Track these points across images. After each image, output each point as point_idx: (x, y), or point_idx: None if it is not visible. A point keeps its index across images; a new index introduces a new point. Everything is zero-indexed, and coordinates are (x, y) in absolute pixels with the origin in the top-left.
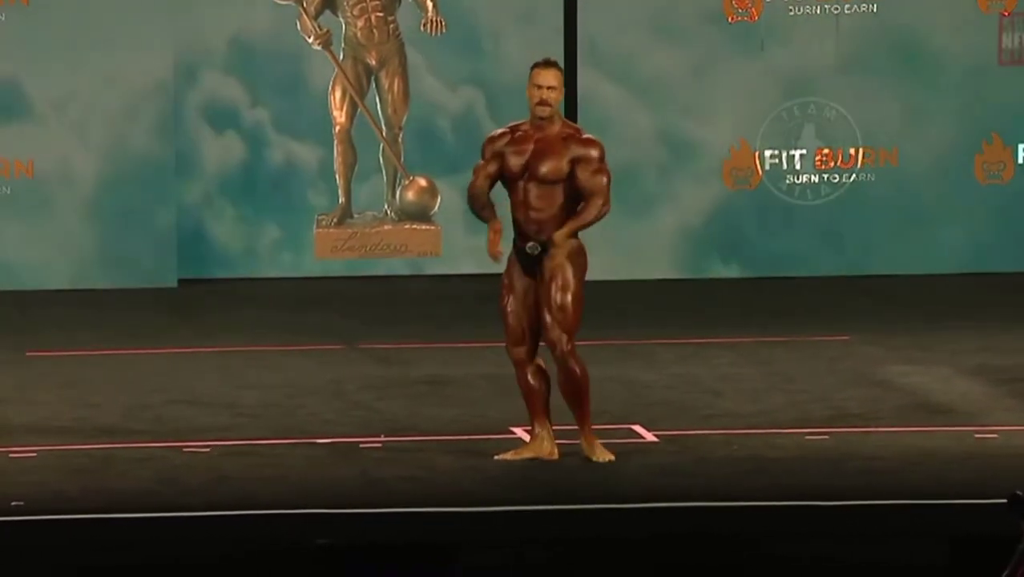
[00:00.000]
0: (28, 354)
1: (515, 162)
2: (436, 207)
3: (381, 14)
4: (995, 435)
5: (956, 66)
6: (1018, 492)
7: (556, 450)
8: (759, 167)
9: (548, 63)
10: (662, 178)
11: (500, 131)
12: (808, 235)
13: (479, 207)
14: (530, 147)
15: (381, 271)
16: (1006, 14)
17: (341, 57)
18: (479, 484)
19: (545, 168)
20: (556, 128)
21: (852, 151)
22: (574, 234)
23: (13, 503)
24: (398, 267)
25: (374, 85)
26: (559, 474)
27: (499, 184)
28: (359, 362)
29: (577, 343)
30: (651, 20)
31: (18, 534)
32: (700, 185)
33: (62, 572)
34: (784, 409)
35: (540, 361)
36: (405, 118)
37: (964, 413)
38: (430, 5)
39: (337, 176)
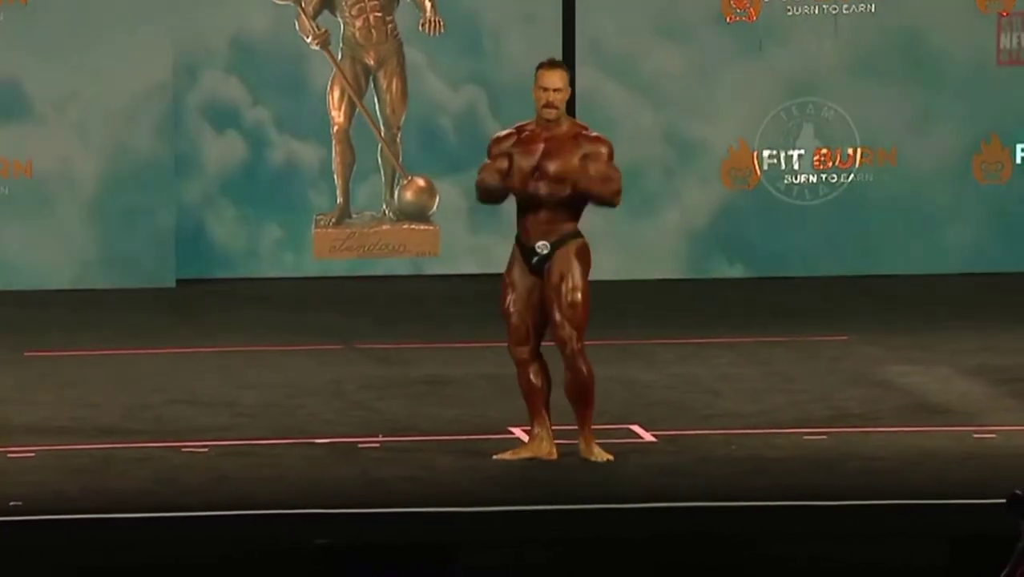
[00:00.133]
0: (27, 354)
1: (526, 162)
2: (434, 207)
3: (379, 14)
4: (994, 435)
5: (955, 66)
6: (1018, 491)
7: (555, 450)
8: (757, 167)
9: (554, 64)
10: (662, 178)
11: (506, 132)
12: (807, 235)
13: (492, 186)
14: (540, 147)
15: (380, 271)
16: (1004, 14)
17: (339, 57)
18: (478, 484)
19: (557, 167)
20: (564, 127)
21: (850, 151)
22: (578, 219)
23: (12, 503)
24: (397, 267)
25: (372, 85)
26: (558, 474)
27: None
28: (358, 362)
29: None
30: (650, 20)
31: (17, 534)
32: (698, 185)
33: (61, 572)
34: (783, 409)
35: (542, 360)
36: (403, 118)
37: (963, 413)
38: (428, 5)
39: (335, 176)
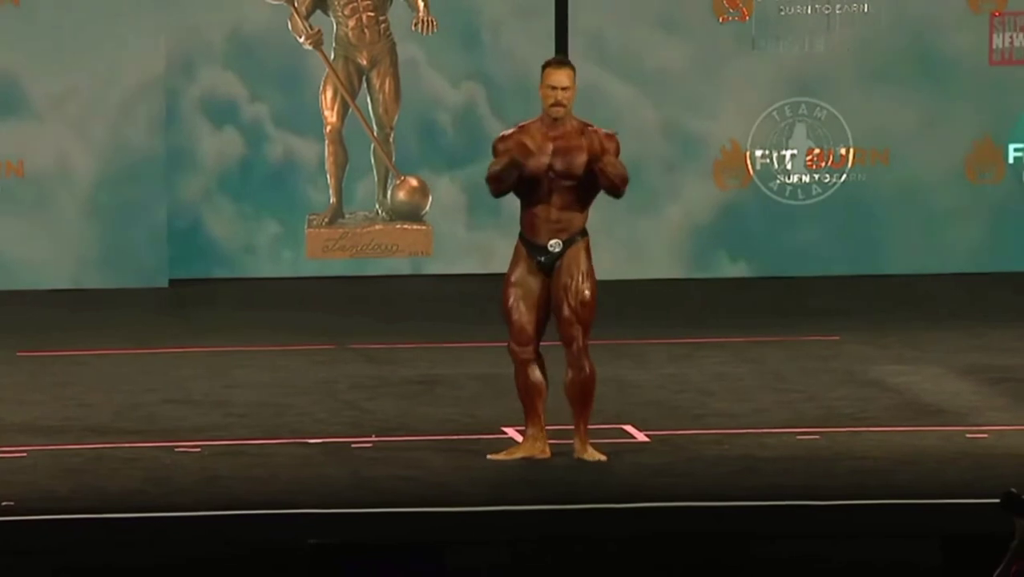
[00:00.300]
0: (19, 354)
1: (537, 162)
2: (427, 207)
3: (372, 14)
4: (986, 434)
5: (947, 66)
6: (1012, 489)
7: (548, 449)
8: (750, 167)
9: (561, 63)
10: (658, 176)
11: (511, 131)
12: (799, 235)
13: (506, 166)
14: (549, 146)
15: (372, 271)
16: (997, 14)
17: (332, 57)
18: (470, 484)
19: (572, 163)
20: (569, 125)
21: (843, 151)
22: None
23: (4, 503)
24: (389, 267)
25: (365, 85)
26: (551, 474)
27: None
28: (350, 362)
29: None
30: (645, 17)
31: (9, 534)
32: (691, 185)
33: (53, 572)
34: (775, 409)
35: (541, 360)
36: (396, 118)
37: (955, 413)
38: (421, 5)
39: (328, 176)
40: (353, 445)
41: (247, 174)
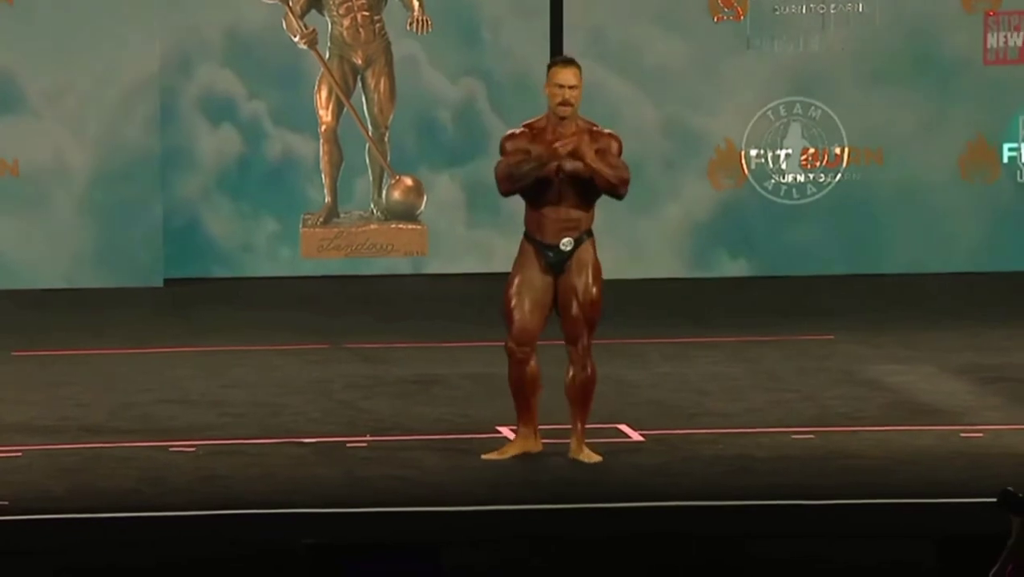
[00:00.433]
0: (15, 353)
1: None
2: (422, 206)
3: (367, 13)
4: (981, 434)
5: (941, 66)
6: (1009, 488)
7: (540, 443)
8: (745, 167)
9: (568, 62)
10: (649, 177)
11: (518, 130)
12: (794, 235)
13: (518, 167)
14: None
15: (367, 270)
16: (991, 14)
17: (327, 56)
18: (465, 484)
19: (575, 164)
20: (574, 124)
21: (838, 151)
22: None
23: None
24: (384, 266)
25: (360, 84)
26: (546, 474)
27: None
28: (345, 361)
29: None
30: (642, 15)
31: (4, 534)
32: (685, 184)
33: (48, 572)
34: (770, 408)
35: (537, 359)
36: (391, 117)
37: (950, 412)
38: (416, 4)
39: (323, 175)
40: (348, 445)
41: (245, 172)
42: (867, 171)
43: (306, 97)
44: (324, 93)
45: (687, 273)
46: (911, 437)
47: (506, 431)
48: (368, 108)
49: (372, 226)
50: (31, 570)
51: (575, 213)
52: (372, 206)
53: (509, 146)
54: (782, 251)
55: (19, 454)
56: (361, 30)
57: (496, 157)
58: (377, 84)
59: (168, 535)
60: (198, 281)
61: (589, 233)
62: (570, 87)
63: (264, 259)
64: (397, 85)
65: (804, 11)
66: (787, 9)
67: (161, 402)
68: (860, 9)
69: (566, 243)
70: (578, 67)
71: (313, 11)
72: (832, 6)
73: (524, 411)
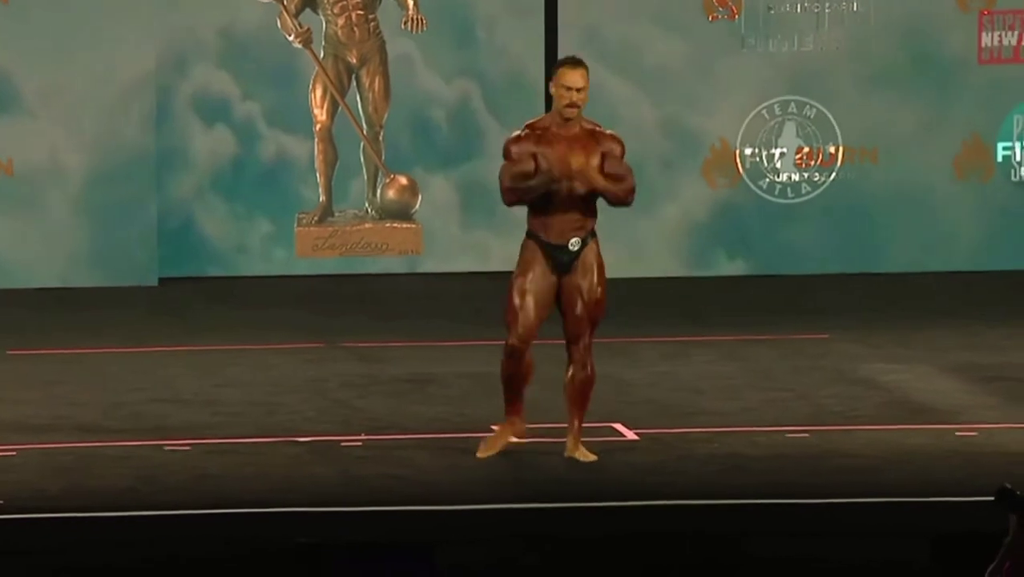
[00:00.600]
0: (10, 352)
1: (556, 163)
2: (417, 205)
3: (362, 12)
4: (976, 433)
5: (936, 65)
6: (1006, 485)
7: (525, 425)
8: (740, 166)
9: (576, 63)
10: (646, 176)
11: (522, 133)
12: (788, 234)
13: (524, 184)
14: (563, 147)
15: (362, 269)
16: (986, 13)
17: (322, 55)
18: (460, 483)
19: (583, 166)
20: (579, 126)
21: (832, 150)
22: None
23: None
24: (379, 265)
25: (355, 83)
26: (541, 472)
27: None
28: (340, 360)
29: (558, 341)
30: (637, 14)
31: None
32: (681, 184)
33: (42, 571)
34: (765, 407)
35: (531, 355)
36: (386, 116)
37: (945, 411)
38: (411, 3)
39: (318, 174)
40: (343, 444)
41: (239, 173)
42: (862, 170)
43: (300, 98)
44: (319, 92)
45: (682, 272)
46: (906, 436)
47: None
48: (363, 107)
49: (367, 225)
50: (26, 569)
51: (582, 214)
52: (367, 205)
53: (514, 150)
54: (777, 250)
55: (14, 453)
56: (356, 29)
57: (491, 157)
58: (372, 83)
59: (163, 534)
60: (193, 280)
61: (593, 233)
62: (578, 89)
63: (258, 260)
64: (391, 85)
65: (799, 10)
66: (782, 8)
67: (155, 401)
68: (855, 8)
69: (574, 243)
70: (586, 68)
71: (308, 10)
72: (827, 5)
73: (516, 400)
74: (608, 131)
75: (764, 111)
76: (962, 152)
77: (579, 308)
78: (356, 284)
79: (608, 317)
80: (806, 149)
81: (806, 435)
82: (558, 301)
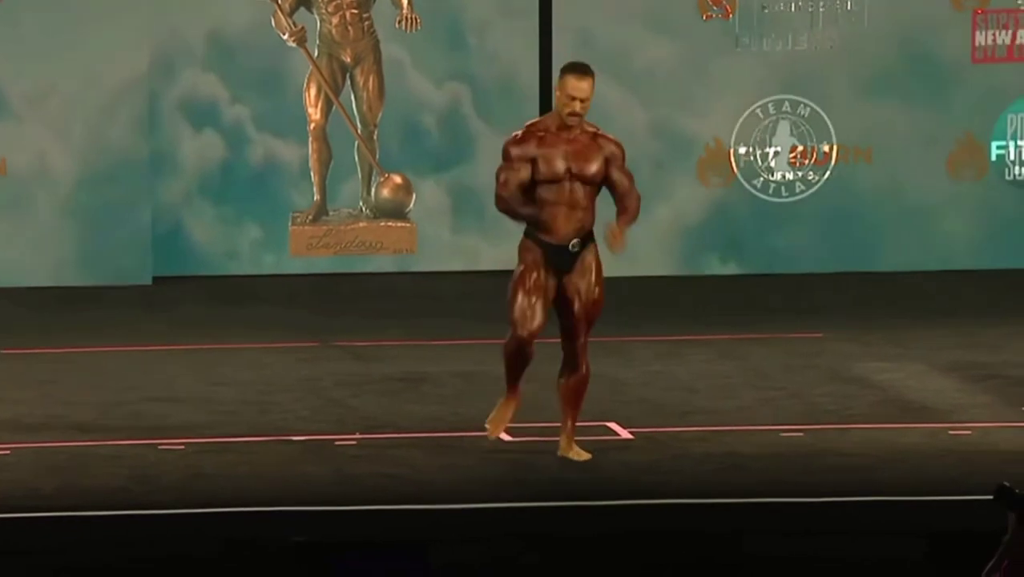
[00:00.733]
0: (3, 351)
1: (558, 165)
2: (411, 204)
3: (356, 11)
4: (970, 431)
5: (930, 64)
6: (1005, 483)
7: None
8: (734, 165)
9: (583, 74)
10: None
11: (522, 134)
12: (782, 233)
13: (518, 206)
14: (565, 148)
15: (356, 268)
16: (980, 12)
17: (316, 54)
18: (454, 481)
19: (591, 169)
20: (581, 128)
21: (826, 149)
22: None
23: None
24: (373, 264)
25: (349, 82)
26: (535, 472)
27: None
28: (334, 359)
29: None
30: (630, 16)
31: None
32: (674, 183)
33: (36, 570)
34: (759, 406)
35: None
36: (380, 115)
37: (938, 410)
38: (405, 2)
39: (312, 173)
40: (337, 443)
41: (228, 177)
42: (856, 169)
43: (289, 102)
44: (313, 91)
45: (676, 271)
46: (900, 435)
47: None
48: (357, 106)
49: (361, 224)
50: (20, 569)
51: (583, 215)
52: (361, 204)
53: (514, 152)
54: (771, 249)
55: (7, 452)
56: (350, 28)
57: (481, 162)
58: (366, 82)
59: (157, 533)
60: (186, 279)
61: (591, 234)
62: (582, 100)
63: (249, 265)
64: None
65: (793, 9)
66: (776, 7)
67: (150, 400)
68: (849, 7)
69: (575, 244)
70: (593, 77)
71: (302, 9)
72: (821, 4)
73: (516, 381)
74: (609, 135)
75: (758, 110)
76: (956, 151)
77: (577, 308)
78: (350, 283)
79: (602, 316)
80: (800, 148)
81: (800, 434)
82: (556, 300)
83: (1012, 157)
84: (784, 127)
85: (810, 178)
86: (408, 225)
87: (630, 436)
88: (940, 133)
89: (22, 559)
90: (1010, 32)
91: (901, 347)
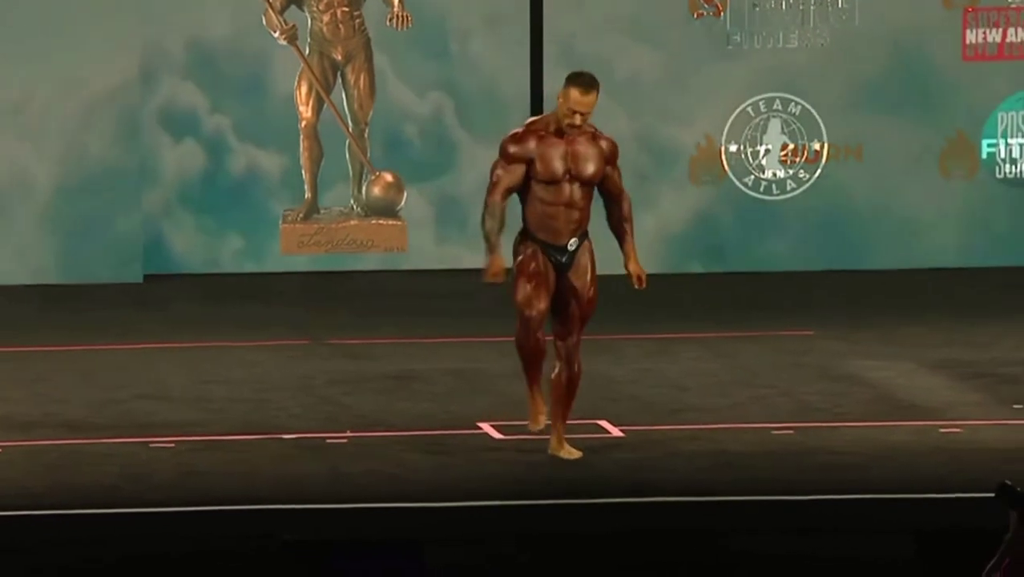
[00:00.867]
0: None
1: (557, 166)
2: (402, 202)
3: (347, 9)
4: (960, 429)
5: (921, 62)
6: (1006, 481)
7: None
8: (725, 163)
9: (588, 88)
10: (632, 177)
11: (521, 132)
12: (773, 231)
13: (492, 227)
14: (564, 149)
15: (347, 266)
16: (971, 10)
17: (307, 52)
18: (447, 479)
19: (592, 170)
20: (580, 130)
21: (817, 147)
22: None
23: None
24: (364, 262)
25: (340, 80)
26: (527, 470)
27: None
28: (326, 357)
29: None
30: (620, 20)
31: None
32: (665, 182)
33: (28, 569)
34: (750, 404)
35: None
36: (371, 113)
37: (929, 408)
38: (396, 0)
39: (303, 171)
40: (329, 441)
41: (208, 187)
42: (846, 167)
43: (270, 111)
44: (304, 89)
45: (666, 269)
46: (890, 432)
47: (487, 427)
48: (348, 104)
49: (352, 222)
50: (10, 567)
51: (581, 215)
52: (352, 202)
53: (511, 150)
54: (761, 247)
55: None
56: (341, 26)
57: (464, 172)
58: (357, 80)
59: (148, 531)
60: (178, 277)
61: (586, 232)
62: (583, 113)
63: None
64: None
65: (784, 7)
66: (767, 5)
67: (141, 398)
68: (840, 5)
69: (573, 243)
70: (597, 91)
71: (293, 7)
72: (812, 2)
73: (535, 379)
74: (606, 134)
75: (749, 108)
76: (947, 149)
77: (572, 307)
78: (341, 281)
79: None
80: (791, 146)
81: (791, 432)
82: (552, 298)
83: (1003, 155)
84: (775, 125)
85: (801, 176)
86: (399, 223)
87: (621, 434)
88: (931, 131)
89: (13, 557)
90: (1000, 30)
91: (892, 345)
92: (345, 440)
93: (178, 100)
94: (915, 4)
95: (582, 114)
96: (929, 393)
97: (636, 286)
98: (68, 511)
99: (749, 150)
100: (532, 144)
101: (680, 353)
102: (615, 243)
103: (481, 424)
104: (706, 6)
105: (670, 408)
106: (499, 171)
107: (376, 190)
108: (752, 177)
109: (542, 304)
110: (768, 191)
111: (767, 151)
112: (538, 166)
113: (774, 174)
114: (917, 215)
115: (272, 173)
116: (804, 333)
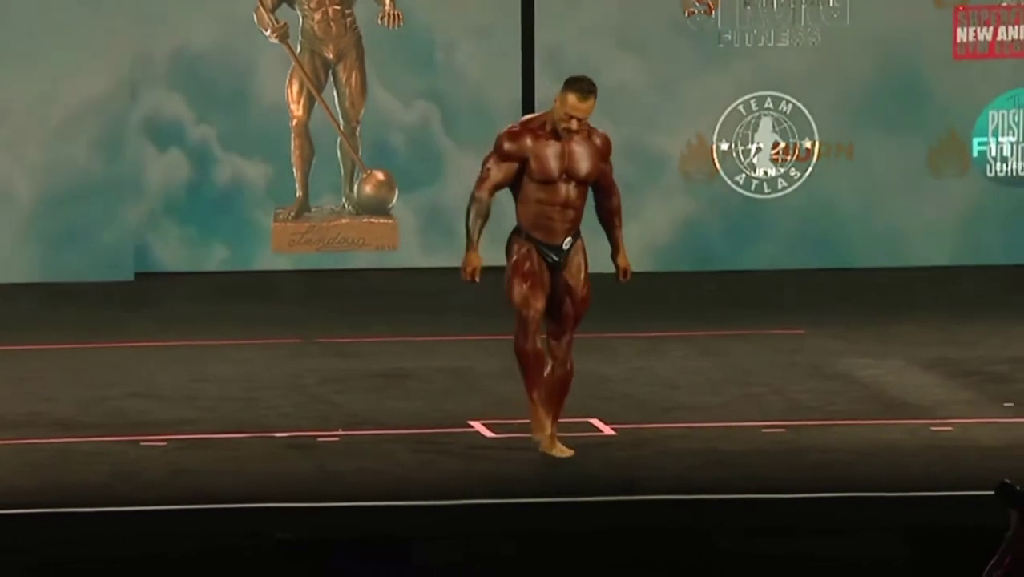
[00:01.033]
0: None
1: (553, 165)
2: (394, 200)
3: (338, 7)
4: (950, 427)
5: (912, 60)
6: (1006, 480)
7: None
8: (716, 161)
9: (587, 93)
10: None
11: (519, 129)
12: (764, 229)
13: (475, 222)
14: (562, 148)
15: (339, 264)
16: (961, 8)
17: (298, 51)
18: (438, 478)
19: (588, 169)
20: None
21: (808, 145)
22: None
23: None
24: (356, 260)
25: (332, 79)
26: (518, 468)
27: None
28: (317, 355)
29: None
30: (612, 23)
31: None
32: (657, 181)
33: (18, 567)
34: (741, 402)
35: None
36: (363, 112)
37: (920, 406)
38: None
39: (294, 170)
40: (320, 439)
41: (193, 198)
42: (838, 165)
43: (255, 121)
44: (295, 87)
45: (657, 267)
46: (881, 431)
47: (478, 425)
48: (339, 102)
49: (343, 220)
50: (1, 565)
51: (577, 214)
52: (343, 200)
53: (506, 146)
54: (752, 245)
55: None
56: (332, 24)
57: (450, 181)
58: (348, 78)
59: (140, 530)
60: (168, 275)
61: (579, 231)
62: (580, 119)
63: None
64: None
65: (775, 6)
66: (759, 4)
67: (132, 396)
68: (831, 3)
69: (567, 243)
70: (595, 95)
71: (284, 5)
72: (803, 0)
73: (535, 385)
74: (601, 132)
75: (740, 106)
76: (938, 147)
77: (567, 305)
78: (333, 279)
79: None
80: (782, 144)
81: (782, 430)
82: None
83: (994, 153)
84: (766, 123)
85: (792, 174)
86: (390, 221)
87: (613, 432)
88: (922, 129)
89: (2, 556)
90: (991, 28)
91: (883, 343)
92: (336, 438)
93: (163, 110)
94: (906, 2)
95: (579, 120)
96: (920, 391)
97: (620, 279)
98: (58, 510)
99: (740, 149)
100: (528, 142)
101: (672, 351)
102: (598, 241)
103: (472, 422)
104: (697, 4)
105: (662, 406)
106: (490, 165)
107: (368, 188)
108: (743, 176)
109: (539, 303)
110: (759, 190)
111: (758, 150)
112: (534, 165)
113: (765, 173)
114: (908, 213)
115: (257, 183)
116: (795, 332)
